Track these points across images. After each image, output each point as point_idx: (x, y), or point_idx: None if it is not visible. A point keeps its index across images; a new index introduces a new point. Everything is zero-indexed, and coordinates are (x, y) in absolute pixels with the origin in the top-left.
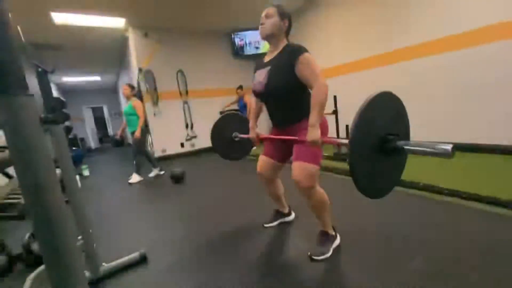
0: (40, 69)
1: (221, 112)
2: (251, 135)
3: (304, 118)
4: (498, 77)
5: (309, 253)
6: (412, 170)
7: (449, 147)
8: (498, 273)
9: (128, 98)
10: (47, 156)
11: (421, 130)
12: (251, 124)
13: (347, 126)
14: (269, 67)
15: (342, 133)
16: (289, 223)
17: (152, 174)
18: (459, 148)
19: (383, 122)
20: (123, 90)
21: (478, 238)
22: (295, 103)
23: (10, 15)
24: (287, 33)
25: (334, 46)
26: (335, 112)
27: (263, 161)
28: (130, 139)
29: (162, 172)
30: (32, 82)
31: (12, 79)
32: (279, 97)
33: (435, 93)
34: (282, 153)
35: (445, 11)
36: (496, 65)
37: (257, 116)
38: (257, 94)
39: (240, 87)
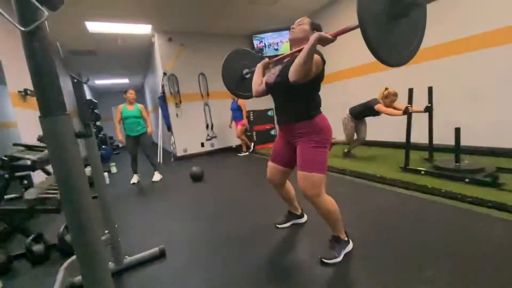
0: (76, 80)
1: None
2: (260, 63)
3: (307, 119)
4: None
5: (319, 256)
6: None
7: None
8: None
9: (132, 102)
10: (79, 161)
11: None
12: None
13: (457, 129)
14: (285, 64)
15: (439, 136)
16: (301, 224)
17: (157, 178)
18: None
19: None
20: (129, 94)
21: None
22: (301, 100)
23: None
24: None
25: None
26: (429, 109)
27: (271, 168)
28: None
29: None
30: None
31: (53, 103)
32: (287, 90)
33: None
34: (288, 158)
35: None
36: None
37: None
38: (267, 85)
39: None
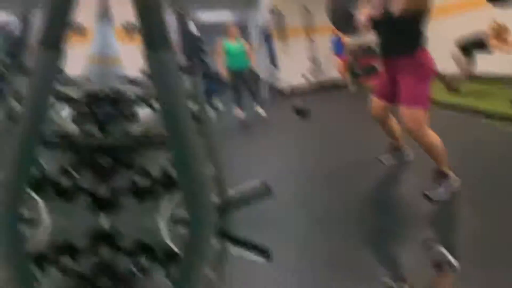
0: (181, 14)
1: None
2: None
3: (411, 53)
4: None
5: (424, 191)
6: None
7: None
8: None
9: (234, 37)
10: (183, 97)
11: None
12: None
13: None
14: None
15: None
16: (405, 161)
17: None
18: None
19: None
20: (232, 30)
21: None
22: (405, 34)
23: None
24: None
25: None
26: None
27: (375, 103)
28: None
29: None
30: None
31: (158, 38)
32: (392, 23)
33: None
34: (392, 93)
35: None
36: None
37: None
38: (372, 19)
39: None
